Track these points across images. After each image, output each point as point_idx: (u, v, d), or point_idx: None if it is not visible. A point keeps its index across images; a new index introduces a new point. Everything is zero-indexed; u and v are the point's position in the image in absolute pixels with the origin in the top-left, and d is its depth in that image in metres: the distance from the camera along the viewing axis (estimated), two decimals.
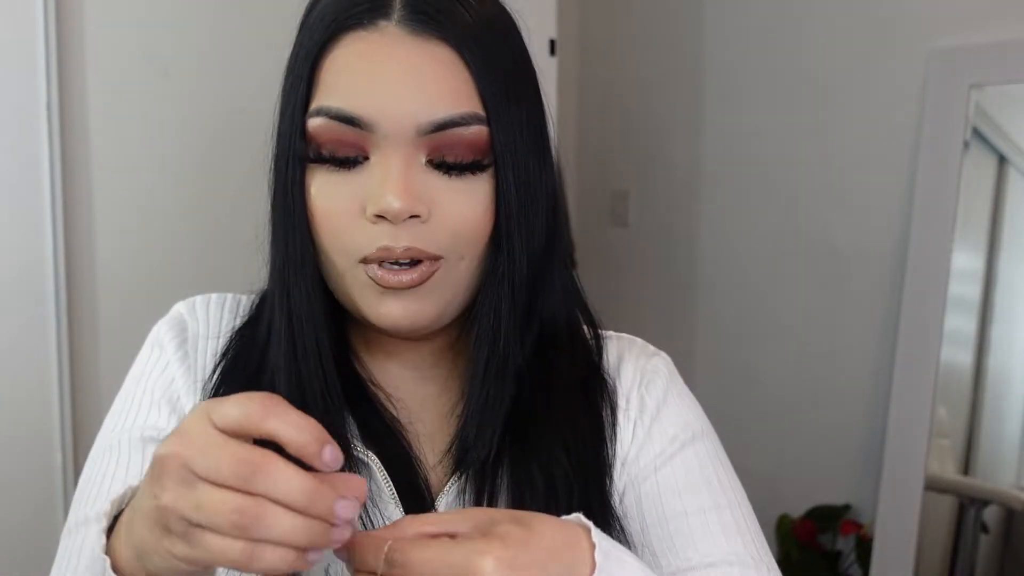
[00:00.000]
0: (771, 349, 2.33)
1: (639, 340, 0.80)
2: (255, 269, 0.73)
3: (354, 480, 0.49)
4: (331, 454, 0.47)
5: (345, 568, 0.53)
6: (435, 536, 0.52)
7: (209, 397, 0.71)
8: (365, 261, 0.64)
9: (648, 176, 2.59)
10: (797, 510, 2.20)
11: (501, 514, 0.54)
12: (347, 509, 0.47)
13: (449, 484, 0.69)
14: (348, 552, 0.51)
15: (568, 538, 0.53)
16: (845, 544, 2.13)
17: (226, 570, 0.59)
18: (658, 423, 0.73)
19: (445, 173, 0.64)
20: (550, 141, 0.71)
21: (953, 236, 1.95)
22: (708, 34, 2.43)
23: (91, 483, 0.70)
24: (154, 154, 1.65)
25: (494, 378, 0.68)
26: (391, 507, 0.67)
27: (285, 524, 0.46)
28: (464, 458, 0.68)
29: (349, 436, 0.68)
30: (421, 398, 0.73)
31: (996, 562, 2.02)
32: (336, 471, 0.48)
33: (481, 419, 0.68)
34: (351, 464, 0.67)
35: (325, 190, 0.64)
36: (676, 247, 2.53)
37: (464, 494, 0.68)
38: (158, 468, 0.48)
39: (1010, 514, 2.00)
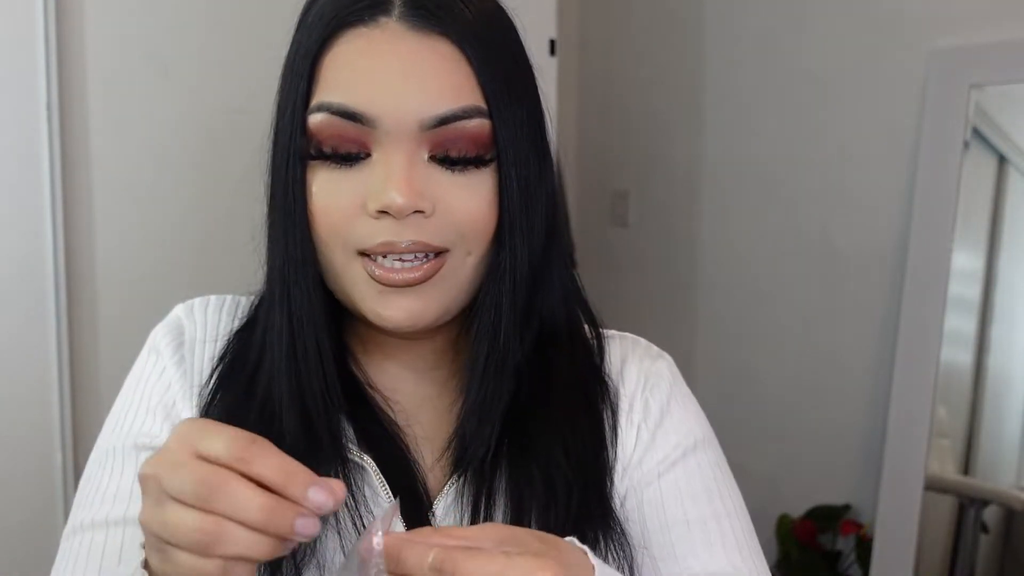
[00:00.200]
0: (771, 349, 2.33)
1: (643, 340, 0.80)
2: (254, 269, 0.72)
3: (334, 484, 0.49)
4: (316, 495, 0.48)
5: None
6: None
7: (206, 402, 0.71)
8: (364, 255, 0.64)
9: (648, 176, 2.59)
10: (797, 510, 2.20)
11: (523, 532, 0.52)
12: (308, 527, 0.48)
13: (447, 486, 0.69)
14: (382, 556, 0.50)
15: (580, 559, 0.53)
16: (845, 544, 2.13)
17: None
18: (662, 429, 0.73)
19: (448, 168, 0.64)
20: (549, 138, 0.71)
21: (953, 236, 1.95)
22: (708, 34, 2.43)
23: (88, 490, 0.70)
24: (154, 154, 1.65)
25: (493, 374, 0.68)
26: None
27: (243, 542, 0.47)
28: (462, 456, 0.68)
29: (345, 440, 0.68)
30: (420, 399, 0.73)
31: (996, 562, 2.02)
32: (328, 503, 0.48)
33: (480, 415, 0.68)
34: (347, 468, 0.67)
35: (326, 187, 0.64)
36: (676, 247, 2.53)
37: (462, 496, 0.68)
38: (142, 487, 0.50)
39: (1010, 514, 2.00)
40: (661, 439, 0.73)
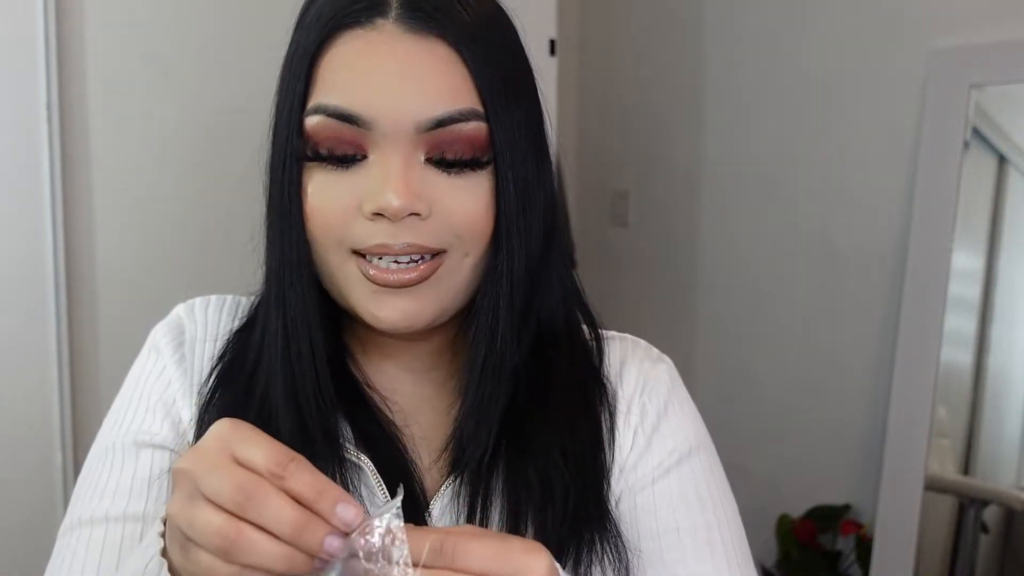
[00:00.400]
0: (771, 349, 2.33)
1: (643, 342, 0.79)
2: (254, 269, 0.72)
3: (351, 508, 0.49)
4: (344, 512, 0.48)
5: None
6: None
7: (205, 401, 0.71)
8: (359, 255, 0.64)
9: (648, 176, 2.59)
10: (797, 510, 2.20)
11: (513, 539, 0.53)
12: (335, 544, 0.48)
13: (444, 487, 0.69)
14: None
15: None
16: (845, 544, 2.13)
17: None
18: (658, 434, 0.73)
19: (444, 171, 0.64)
20: (548, 139, 0.71)
21: (953, 236, 1.95)
22: (708, 34, 2.43)
23: (86, 486, 0.71)
24: (154, 154, 1.65)
25: (491, 376, 0.68)
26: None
27: (265, 551, 0.47)
28: (460, 457, 0.68)
29: (342, 439, 0.68)
30: (418, 399, 0.73)
31: (996, 562, 2.02)
32: (355, 521, 0.49)
33: (478, 417, 0.68)
34: (344, 468, 0.67)
35: (322, 188, 0.64)
36: (676, 247, 2.53)
37: (459, 497, 0.68)
38: (175, 481, 0.51)
39: (1010, 514, 2.00)
40: (657, 444, 0.72)
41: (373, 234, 0.63)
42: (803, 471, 2.26)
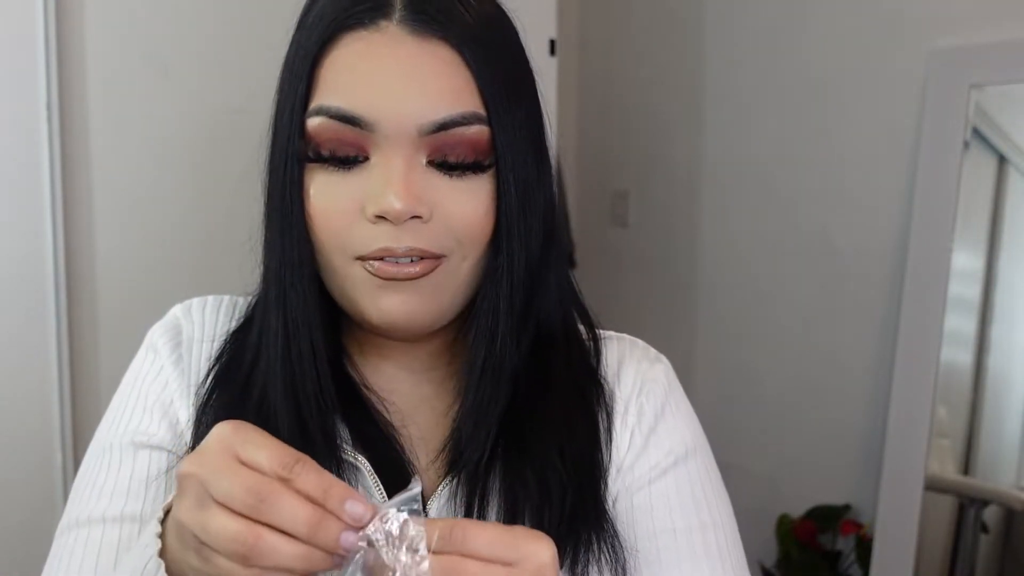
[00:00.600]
0: (771, 349, 2.33)
1: (640, 342, 0.79)
2: (253, 269, 0.72)
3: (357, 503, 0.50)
4: (353, 508, 0.49)
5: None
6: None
7: (202, 402, 0.71)
8: (363, 259, 0.64)
9: (648, 176, 2.59)
10: (797, 510, 2.20)
11: (518, 527, 0.54)
12: (350, 540, 0.49)
13: (441, 487, 0.69)
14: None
15: None
16: (845, 544, 2.13)
17: None
18: (655, 435, 0.73)
19: (446, 173, 0.64)
20: (548, 141, 0.71)
21: (953, 236, 1.95)
22: (708, 34, 2.43)
23: (83, 486, 0.71)
24: (154, 154, 1.65)
25: (490, 379, 0.68)
26: None
27: (283, 553, 0.48)
28: (457, 459, 0.68)
29: (340, 440, 0.68)
30: (416, 400, 0.73)
31: (996, 562, 2.02)
32: (365, 516, 0.49)
33: (476, 420, 0.68)
34: (341, 469, 0.67)
35: (324, 190, 0.64)
36: (676, 247, 2.53)
37: (456, 497, 0.68)
38: (180, 485, 0.51)
39: (1010, 514, 2.00)
40: (654, 445, 0.73)
41: (376, 238, 0.63)
42: (803, 471, 2.26)
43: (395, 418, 0.71)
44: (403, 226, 0.63)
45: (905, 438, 1.99)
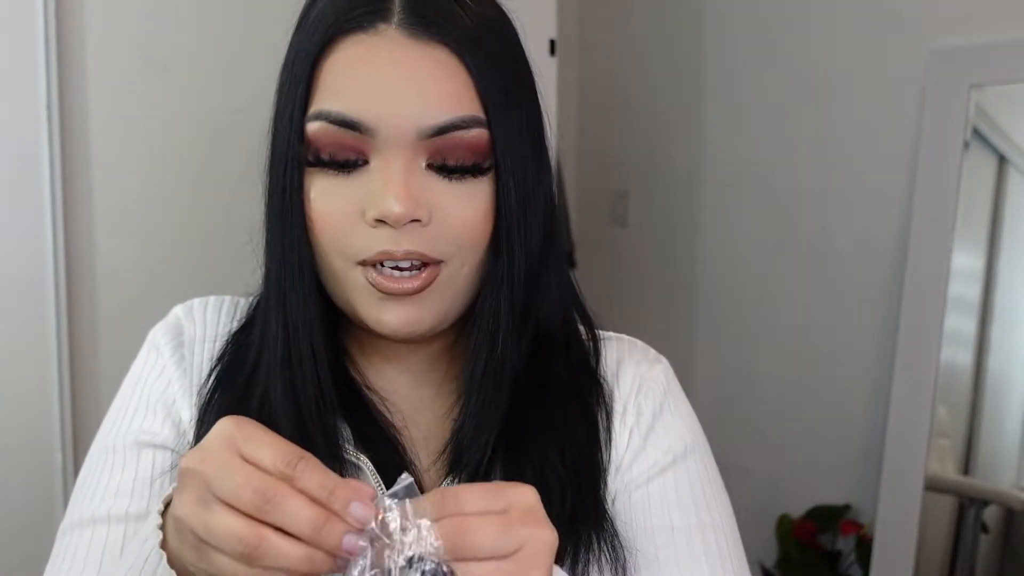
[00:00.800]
0: (771, 349, 2.33)
1: (640, 343, 0.80)
2: (254, 270, 0.72)
3: (364, 488, 0.50)
4: (356, 510, 0.49)
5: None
6: None
7: (204, 401, 0.71)
8: (364, 264, 0.64)
9: (648, 176, 2.59)
10: (797, 510, 2.20)
11: (499, 482, 0.55)
12: (354, 542, 0.49)
13: (442, 487, 0.69)
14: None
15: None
16: (845, 544, 2.13)
17: None
18: (653, 434, 0.73)
19: (445, 177, 0.64)
20: (548, 142, 0.71)
21: (953, 236, 1.95)
22: (708, 34, 2.43)
23: (86, 485, 0.71)
24: (154, 154, 1.65)
25: (491, 381, 0.68)
26: None
27: (287, 554, 0.48)
28: (458, 460, 0.68)
29: (342, 441, 0.68)
30: (417, 401, 0.73)
31: (996, 562, 2.02)
32: (368, 517, 0.50)
33: (477, 422, 0.68)
34: (343, 468, 0.67)
35: (325, 194, 0.64)
36: (676, 247, 2.53)
37: None
38: (181, 481, 0.51)
39: (1010, 514, 2.00)
40: (652, 444, 0.73)
41: (376, 242, 0.63)
42: (803, 471, 2.26)
43: (396, 419, 0.71)
44: (402, 230, 0.63)
45: (905, 438, 1.99)
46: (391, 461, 0.68)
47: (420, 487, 0.69)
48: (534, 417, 0.69)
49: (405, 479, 0.52)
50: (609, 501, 0.71)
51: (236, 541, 0.47)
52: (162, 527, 0.55)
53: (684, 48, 2.48)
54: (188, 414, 0.72)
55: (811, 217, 2.23)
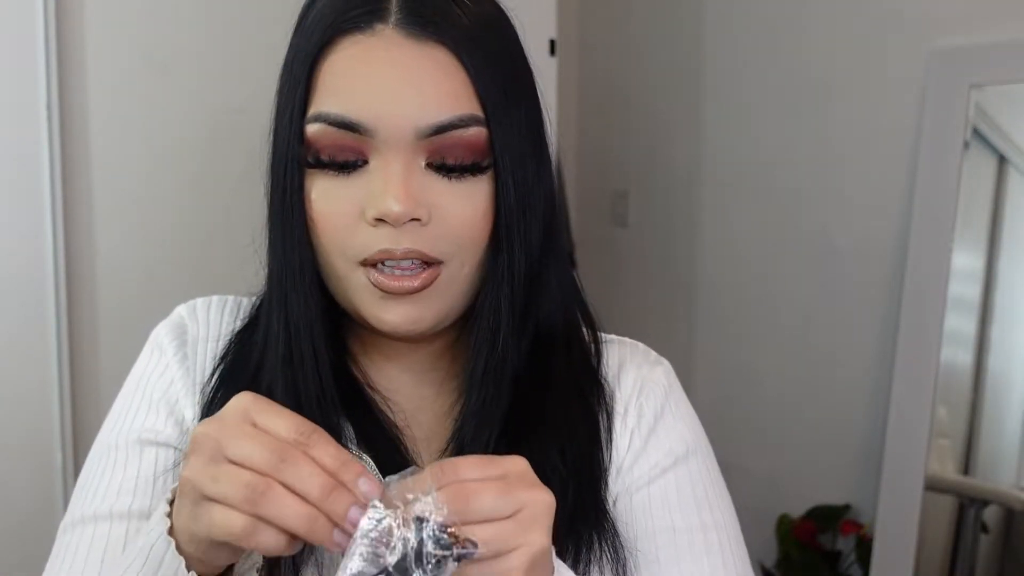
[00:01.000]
0: (771, 349, 2.33)
1: (641, 346, 0.80)
2: (254, 270, 0.73)
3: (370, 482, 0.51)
4: (364, 485, 0.50)
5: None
6: None
7: (208, 401, 0.71)
8: (365, 264, 0.64)
9: (648, 176, 2.59)
10: (797, 510, 2.20)
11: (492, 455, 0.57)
12: (357, 516, 0.50)
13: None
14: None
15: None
16: (845, 544, 2.13)
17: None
18: (655, 435, 0.73)
19: (445, 176, 0.64)
20: (548, 141, 0.71)
21: (953, 236, 1.95)
22: (708, 34, 2.43)
23: (88, 483, 0.71)
24: (154, 154, 1.65)
25: (492, 379, 0.68)
26: None
27: (291, 509, 0.49)
28: None
29: (344, 439, 0.68)
30: (418, 400, 0.73)
31: (996, 562, 2.02)
32: (374, 494, 0.51)
33: (478, 420, 0.68)
34: None
35: (325, 195, 0.65)
36: (676, 247, 2.53)
37: None
38: (193, 446, 0.52)
39: (1010, 514, 2.00)
40: (653, 445, 0.73)
41: (376, 241, 0.63)
42: (803, 471, 2.26)
43: (399, 419, 0.71)
44: (402, 229, 0.63)
45: (905, 438, 1.99)
46: (393, 460, 0.69)
47: None
48: (535, 416, 0.69)
49: (409, 470, 0.53)
50: (610, 503, 0.71)
51: (243, 486, 0.48)
52: (169, 515, 0.56)
53: (684, 48, 2.48)
54: (191, 413, 0.72)
55: (811, 217, 2.23)
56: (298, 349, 0.67)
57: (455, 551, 0.49)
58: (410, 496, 0.51)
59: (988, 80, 1.94)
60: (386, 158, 0.63)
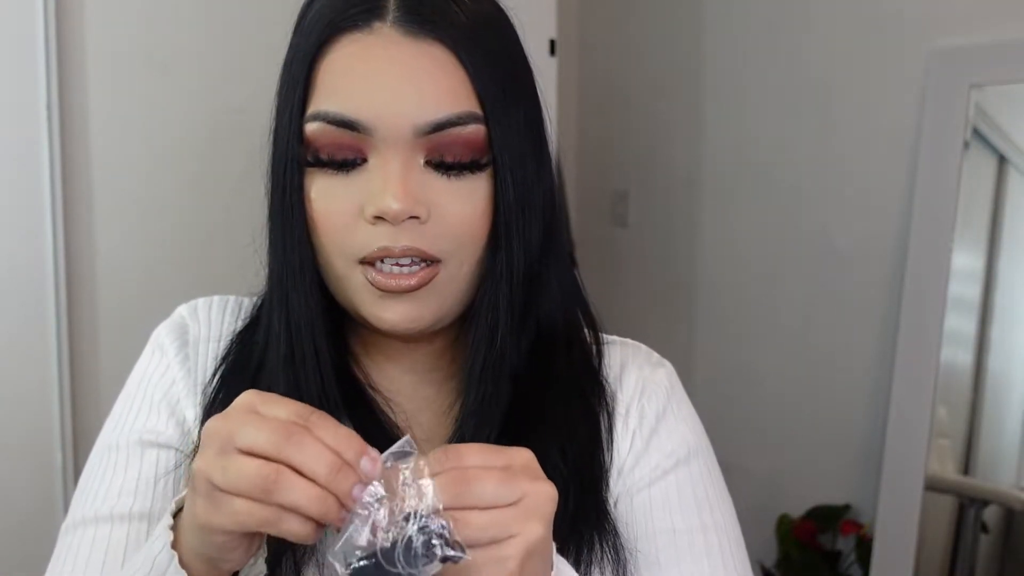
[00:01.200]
0: (771, 349, 2.33)
1: (644, 347, 0.80)
2: (255, 269, 0.73)
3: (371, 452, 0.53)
4: (366, 464, 0.51)
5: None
6: None
7: (209, 401, 0.71)
8: (364, 262, 0.64)
9: (648, 176, 2.59)
10: (797, 510, 2.20)
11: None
12: (360, 494, 0.51)
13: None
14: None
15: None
16: (845, 544, 2.13)
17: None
18: (656, 436, 0.73)
19: (444, 174, 0.64)
20: (548, 139, 0.71)
21: (953, 236, 1.95)
22: (708, 34, 2.43)
23: (89, 484, 0.71)
24: (154, 154, 1.65)
25: (491, 378, 0.68)
26: None
27: (303, 491, 0.49)
28: None
29: None
30: (419, 400, 0.73)
31: (996, 562, 2.02)
32: (375, 472, 0.52)
33: (478, 419, 0.68)
34: None
35: (325, 193, 0.65)
36: (676, 247, 2.53)
37: None
38: (204, 441, 0.53)
39: (1010, 514, 2.00)
40: (655, 447, 0.73)
41: (375, 239, 0.63)
42: (803, 471, 2.26)
43: (400, 419, 0.71)
44: (401, 226, 0.63)
45: (905, 438, 1.99)
46: None
47: None
48: (535, 415, 0.69)
49: (404, 440, 0.54)
50: (611, 503, 0.71)
51: (254, 476, 0.49)
52: (173, 528, 0.56)
53: (684, 48, 2.48)
54: (192, 413, 0.72)
55: (811, 217, 2.23)
56: (299, 348, 0.67)
57: (442, 552, 0.50)
58: (409, 483, 0.51)
59: (988, 80, 1.94)
60: (385, 156, 0.63)
